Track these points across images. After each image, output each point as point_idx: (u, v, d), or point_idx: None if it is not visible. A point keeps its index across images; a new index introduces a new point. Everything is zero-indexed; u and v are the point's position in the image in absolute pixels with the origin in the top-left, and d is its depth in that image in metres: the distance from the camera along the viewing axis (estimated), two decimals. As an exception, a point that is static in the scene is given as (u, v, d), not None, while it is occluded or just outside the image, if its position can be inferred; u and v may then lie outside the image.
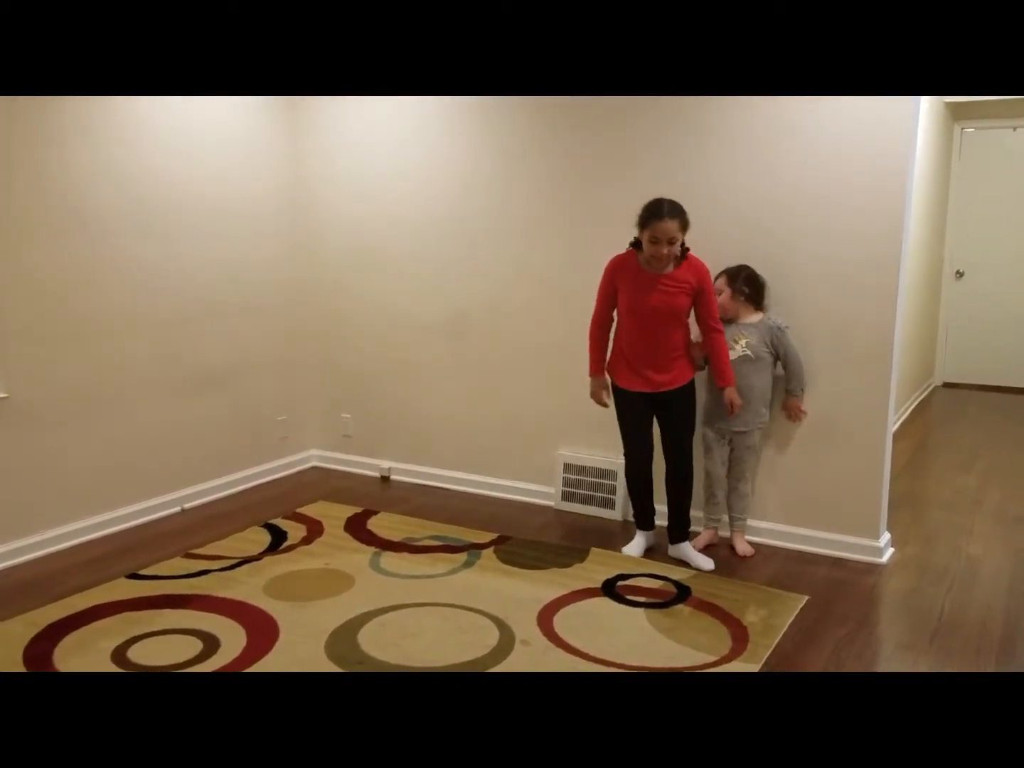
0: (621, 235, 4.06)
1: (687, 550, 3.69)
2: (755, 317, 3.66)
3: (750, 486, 3.80)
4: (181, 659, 2.86)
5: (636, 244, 3.51)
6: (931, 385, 7.61)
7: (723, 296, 3.62)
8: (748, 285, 3.62)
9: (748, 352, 3.64)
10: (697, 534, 3.86)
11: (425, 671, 2.79)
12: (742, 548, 3.76)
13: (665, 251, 3.39)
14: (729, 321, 3.64)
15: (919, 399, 7.00)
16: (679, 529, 3.70)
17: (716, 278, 3.60)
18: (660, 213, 3.37)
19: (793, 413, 3.72)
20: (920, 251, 6.27)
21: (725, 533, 3.87)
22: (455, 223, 4.49)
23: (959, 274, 7.54)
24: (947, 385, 7.66)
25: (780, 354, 3.65)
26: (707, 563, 3.62)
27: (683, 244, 3.46)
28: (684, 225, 3.41)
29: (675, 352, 3.55)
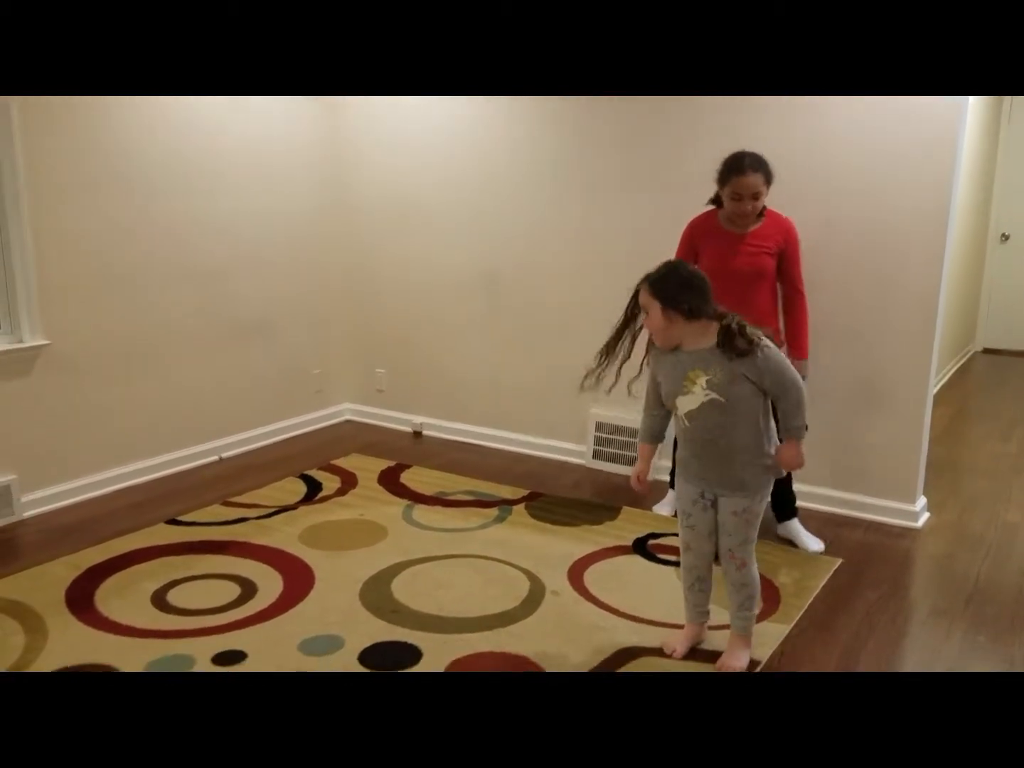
0: (661, 193, 4.01)
1: (795, 528, 3.48)
2: (711, 338, 2.42)
3: (750, 572, 2.56)
4: (219, 603, 2.92)
5: (716, 201, 3.32)
6: (971, 351, 7.47)
7: (652, 318, 2.45)
8: (686, 292, 2.41)
9: (712, 395, 2.40)
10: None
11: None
12: (732, 662, 2.59)
13: (749, 207, 3.20)
14: (674, 349, 2.48)
15: (958, 365, 6.88)
16: (784, 505, 3.48)
17: (638, 289, 2.51)
18: (742, 167, 3.14)
19: (786, 461, 2.48)
20: (966, 213, 6.11)
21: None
22: (492, 179, 4.44)
23: (1004, 237, 7.35)
24: (987, 351, 7.51)
25: (764, 385, 2.41)
26: (817, 545, 3.42)
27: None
28: (768, 178, 3.18)
29: (759, 317, 3.21)
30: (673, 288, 2.42)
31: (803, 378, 3.19)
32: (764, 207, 3.29)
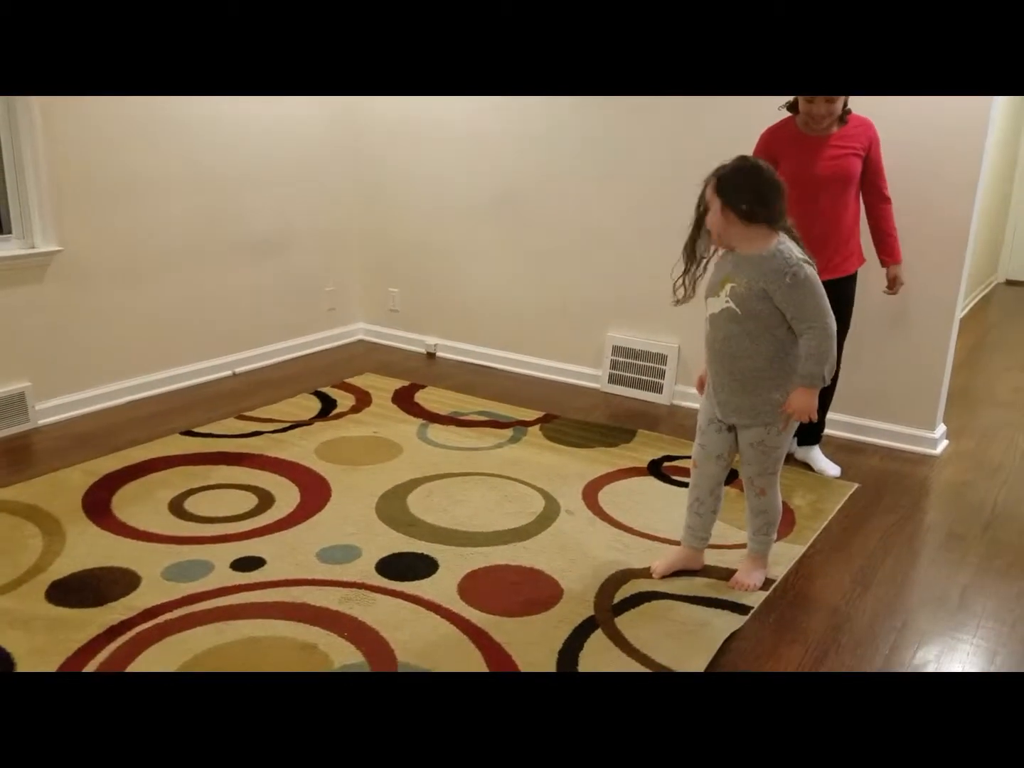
0: (690, 108, 3.88)
1: (814, 454, 3.46)
2: (761, 246, 2.28)
3: (770, 500, 2.53)
4: (237, 512, 2.93)
5: (791, 107, 3.14)
6: (993, 282, 7.35)
7: (712, 214, 2.31)
8: (748, 192, 2.25)
9: (731, 304, 2.31)
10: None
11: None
12: (745, 580, 2.58)
13: (823, 109, 2.99)
14: (729, 251, 2.37)
15: (980, 295, 6.78)
16: (809, 431, 3.38)
17: (706, 182, 2.34)
18: None
19: (791, 408, 2.34)
20: (994, 142, 5.93)
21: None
22: (510, 96, 4.30)
23: (1034, 167, 7.16)
24: (1010, 283, 7.40)
25: (786, 314, 2.28)
26: (833, 469, 3.41)
27: (845, 103, 3.06)
28: None
29: (843, 232, 3.12)
30: (735, 186, 2.26)
31: (900, 283, 3.13)
32: (847, 109, 3.08)
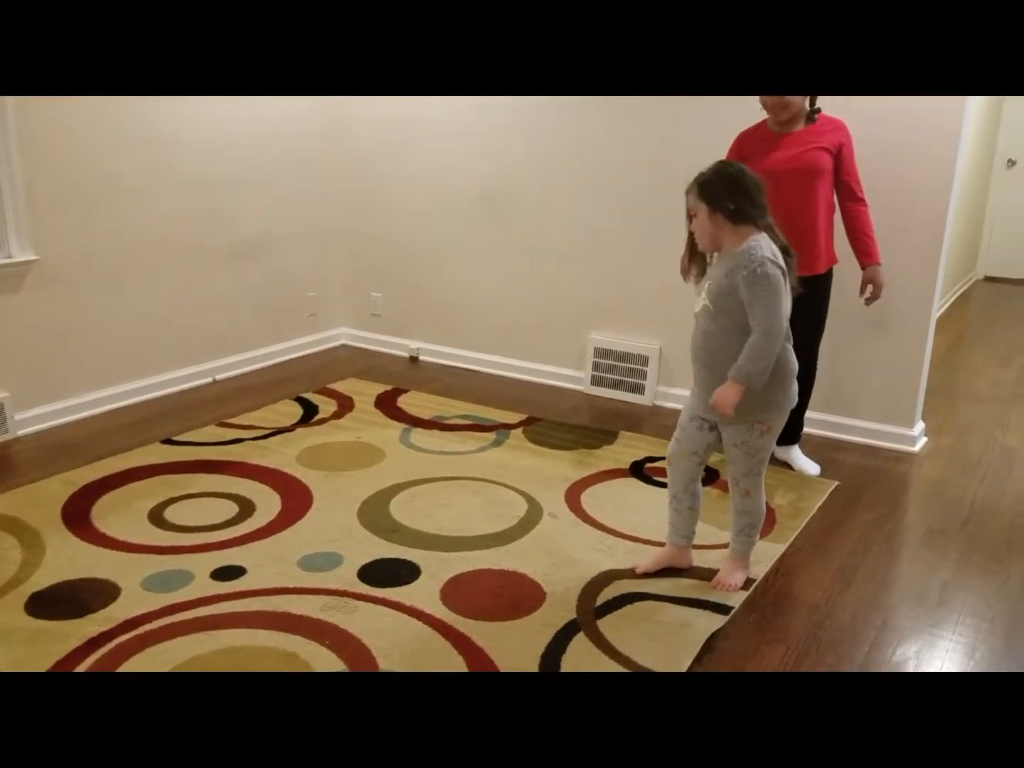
0: (673, 113, 3.90)
1: (793, 453, 3.49)
2: (740, 244, 2.32)
3: (754, 502, 2.55)
4: (217, 520, 2.91)
5: None
6: (972, 278, 7.41)
7: (699, 220, 2.36)
8: (731, 193, 2.30)
9: (706, 301, 2.37)
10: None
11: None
12: (727, 580, 2.60)
13: (770, 101, 3.10)
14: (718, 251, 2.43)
15: (959, 292, 6.84)
16: (790, 431, 3.37)
17: (687, 192, 2.39)
18: None
19: (714, 399, 2.33)
20: (972, 138, 5.99)
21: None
22: (494, 98, 4.31)
23: (1011, 163, 7.22)
24: (989, 279, 7.46)
25: (745, 306, 2.29)
26: (813, 468, 3.44)
27: (813, 103, 3.17)
28: None
29: (812, 228, 3.15)
30: (719, 188, 2.31)
31: (879, 284, 3.17)
32: (817, 108, 3.18)
